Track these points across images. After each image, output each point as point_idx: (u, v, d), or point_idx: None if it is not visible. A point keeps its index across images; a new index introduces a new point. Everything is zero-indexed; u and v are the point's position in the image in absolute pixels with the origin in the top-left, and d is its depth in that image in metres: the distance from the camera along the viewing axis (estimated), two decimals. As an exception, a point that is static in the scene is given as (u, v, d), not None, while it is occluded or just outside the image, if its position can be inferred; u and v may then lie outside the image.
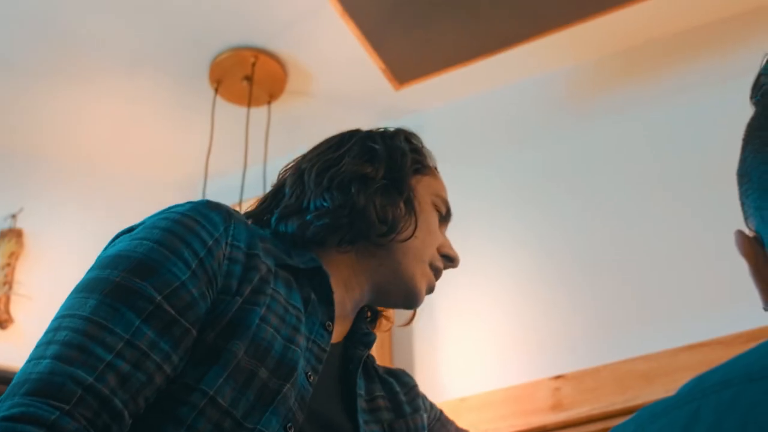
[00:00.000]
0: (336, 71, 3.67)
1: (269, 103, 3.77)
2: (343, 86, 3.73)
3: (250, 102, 3.72)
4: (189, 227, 1.39)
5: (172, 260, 1.34)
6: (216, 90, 3.72)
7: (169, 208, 1.45)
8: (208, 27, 3.51)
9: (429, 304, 3.33)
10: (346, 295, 1.62)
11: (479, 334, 3.25)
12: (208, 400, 1.30)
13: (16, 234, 3.77)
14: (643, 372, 2.89)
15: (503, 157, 3.59)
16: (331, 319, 1.55)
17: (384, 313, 1.82)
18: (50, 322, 1.30)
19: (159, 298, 1.30)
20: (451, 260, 1.78)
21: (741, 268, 1.08)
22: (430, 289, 1.74)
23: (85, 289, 1.31)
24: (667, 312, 2.99)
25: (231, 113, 3.79)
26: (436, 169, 1.87)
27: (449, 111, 3.82)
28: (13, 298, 3.62)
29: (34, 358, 1.24)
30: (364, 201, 1.60)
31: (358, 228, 1.60)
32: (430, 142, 3.71)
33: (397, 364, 3.31)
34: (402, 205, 1.65)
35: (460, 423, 3.05)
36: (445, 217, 1.80)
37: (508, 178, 3.53)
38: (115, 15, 3.47)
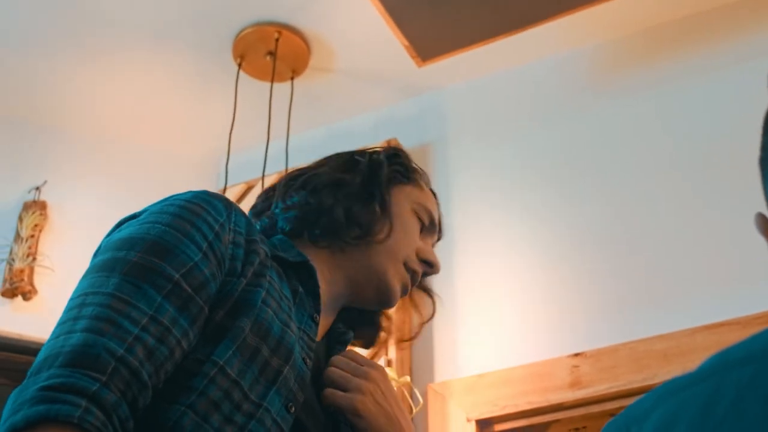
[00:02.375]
0: (359, 48, 3.67)
1: (292, 78, 3.77)
2: (366, 63, 3.74)
3: (273, 77, 3.73)
4: (196, 213, 1.43)
5: (185, 242, 1.37)
6: (239, 65, 3.72)
7: (173, 196, 1.48)
8: (232, 2, 3.52)
9: (449, 281, 3.35)
10: (327, 291, 1.65)
11: (498, 311, 3.26)
12: (218, 369, 1.32)
13: (40, 206, 3.80)
14: (660, 351, 2.90)
15: (524, 135, 3.59)
16: (318, 312, 1.59)
17: (384, 323, 1.88)
18: (70, 300, 1.32)
19: (177, 276, 1.33)
20: (431, 266, 1.79)
21: (760, 249, 1.09)
22: (405, 290, 1.75)
23: (104, 268, 1.33)
24: (685, 292, 2.99)
25: (254, 88, 3.80)
26: (429, 187, 1.88)
27: (471, 88, 3.82)
28: (37, 270, 3.65)
29: (63, 333, 1.24)
30: (331, 201, 1.67)
31: (327, 226, 1.66)
32: (451, 119, 3.74)
33: (417, 340, 3.32)
34: (377, 208, 1.69)
35: (479, 399, 3.08)
36: (428, 228, 1.81)
37: (528, 155, 3.53)
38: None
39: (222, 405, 1.31)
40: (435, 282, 3.36)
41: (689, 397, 0.85)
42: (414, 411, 3.05)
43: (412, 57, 3.41)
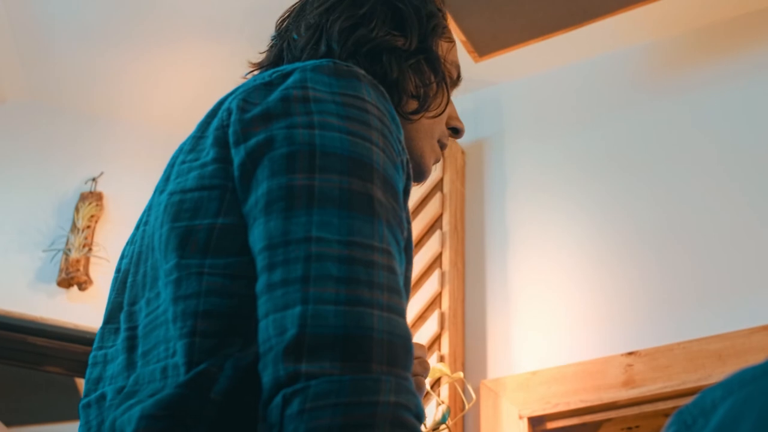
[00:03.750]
0: (415, 43, 3.67)
1: (350, 73, 3.78)
2: (422, 58, 3.74)
3: (329, 70, 3.73)
4: (391, 130, 1.29)
5: (398, 178, 1.26)
6: (296, 58, 3.73)
7: (357, 87, 1.28)
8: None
9: (502, 277, 3.35)
10: None
11: (552, 308, 3.25)
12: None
13: (96, 197, 3.84)
14: (715, 351, 2.87)
15: (578, 132, 3.58)
16: None
17: None
18: (329, 226, 1.11)
19: (406, 227, 1.24)
20: (457, 132, 1.70)
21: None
22: (436, 162, 1.66)
23: (360, 205, 1.15)
24: (741, 291, 2.97)
25: (310, 82, 3.81)
26: (445, 18, 1.72)
27: (527, 84, 3.81)
28: (92, 260, 3.69)
29: (366, 303, 1.08)
30: (397, 72, 1.51)
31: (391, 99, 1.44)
32: (507, 115, 3.74)
33: (470, 336, 3.32)
34: (435, 82, 1.57)
35: (531, 396, 3.08)
36: (455, 81, 1.71)
37: (582, 152, 3.52)
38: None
39: None
40: (489, 278, 3.37)
41: (759, 389, 0.84)
42: (466, 407, 3.05)
43: (469, 52, 3.40)
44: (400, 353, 1.07)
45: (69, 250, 3.67)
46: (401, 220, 1.20)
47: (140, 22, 3.67)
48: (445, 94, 1.59)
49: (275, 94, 1.24)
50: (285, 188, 1.14)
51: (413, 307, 3.29)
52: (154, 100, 4.00)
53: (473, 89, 3.87)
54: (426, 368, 1.50)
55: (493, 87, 3.86)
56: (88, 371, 1.33)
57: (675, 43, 3.56)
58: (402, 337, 1.09)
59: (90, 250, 3.69)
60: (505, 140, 3.72)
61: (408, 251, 1.26)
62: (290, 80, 1.26)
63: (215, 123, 1.28)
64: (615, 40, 3.62)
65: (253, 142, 1.20)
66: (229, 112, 1.27)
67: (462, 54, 3.48)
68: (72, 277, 3.62)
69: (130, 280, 1.33)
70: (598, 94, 3.62)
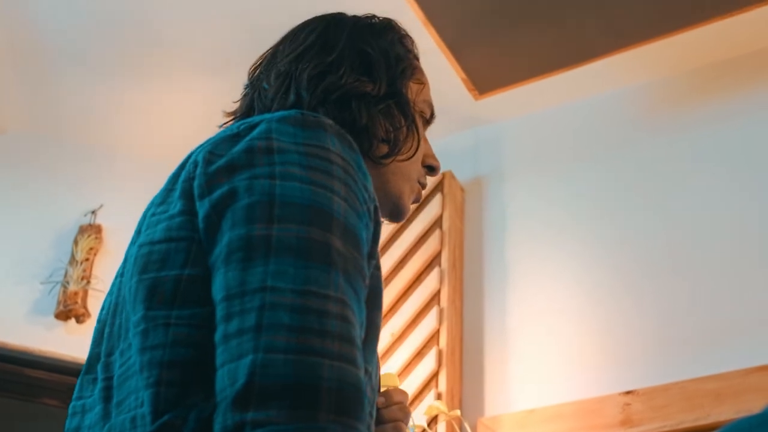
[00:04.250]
0: (416, 79, 3.68)
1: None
2: (423, 95, 3.74)
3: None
4: (355, 179, 1.29)
5: (361, 228, 1.25)
6: (295, 94, 3.74)
7: (321, 137, 1.29)
8: (288, 29, 3.54)
9: (501, 315, 3.35)
10: None
11: (550, 347, 3.24)
12: (368, 378, 1.24)
13: (95, 230, 3.83)
14: (713, 391, 2.87)
15: (578, 170, 3.58)
16: None
17: None
18: (282, 275, 1.12)
19: (367, 278, 1.24)
20: (432, 169, 1.68)
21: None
22: (415, 202, 1.66)
23: (316, 255, 1.15)
24: (739, 331, 2.96)
25: (310, 117, 3.81)
26: (418, 60, 1.72)
27: (527, 122, 3.82)
28: (91, 293, 3.68)
29: (317, 351, 1.08)
30: (366, 118, 1.50)
31: (358, 145, 1.40)
32: (506, 152, 3.74)
33: (467, 375, 3.32)
34: (405, 125, 1.56)
35: (529, 434, 3.07)
36: (428, 120, 1.70)
37: (582, 190, 3.52)
38: (198, 16, 3.52)
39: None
40: (487, 316, 3.37)
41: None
42: (463, 445, 3.05)
43: (470, 90, 3.41)
44: (349, 402, 1.07)
45: (67, 282, 3.67)
46: (361, 269, 1.20)
47: (141, 55, 3.68)
48: (416, 137, 1.58)
49: (240, 146, 1.26)
50: (244, 239, 1.15)
51: (411, 345, 3.29)
52: (154, 133, 4.01)
53: (473, 126, 3.88)
54: (407, 414, 1.51)
55: (493, 125, 3.87)
56: (67, 421, 1.35)
57: (672, 82, 3.57)
58: (353, 386, 1.09)
59: (88, 282, 3.68)
60: (504, 178, 3.72)
61: (375, 298, 1.28)
62: (255, 132, 1.27)
63: (183, 175, 1.29)
64: (613, 79, 3.63)
65: (217, 194, 1.21)
66: (196, 164, 1.27)
67: (462, 92, 3.49)
68: (70, 310, 3.61)
69: (107, 331, 1.34)
70: (597, 133, 3.63)
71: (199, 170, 1.25)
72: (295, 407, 1.03)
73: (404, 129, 1.55)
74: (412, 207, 1.68)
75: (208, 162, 1.26)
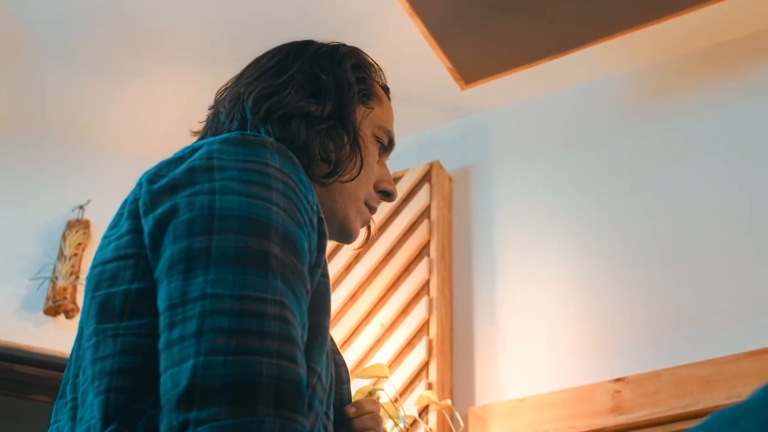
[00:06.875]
0: (402, 70, 3.67)
1: (335, 100, 3.78)
2: (409, 85, 3.74)
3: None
4: (295, 191, 1.33)
5: (302, 236, 1.30)
6: (283, 85, 3.73)
7: (261, 154, 1.33)
8: (275, 23, 3.53)
9: (490, 304, 3.35)
10: None
11: (540, 335, 3.24)
12: (317, 378, 1.29)
13: (83, 225, 3.83)
14: (703, 377, 2.87)
15: (566, 158, 3.58)
16: None
17: None
18: (222, 282, 1.17)
19: (308, 283, 1.28)
20: (388, 195, 1.71)
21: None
22: (365, 224, 1.69)
23: (254, 261, 1.20)
24: (728, 317, 2.97)
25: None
26: (385, 88, 1.76)
27: (514, 111, 3.82)
28: (79, 288, 3.67)
29: (257, 351, 1.13)
30: (305, 136, 1.53)
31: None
32: (494, 141, 3.74)
33: (458, 364, 3.32)
34: (347, 146, 1.58)
35: (520, 423, 3.07)
36: (386, 147, 1.72)
37: (571, 178, 3.52)
38: (182, 10, 3.51)
39: (318, 423, 1.29)
40: (477, 305, 3.37)
41: (740, 430, 0.84)
42: (454, 434, 3.05)
43: (456, 80, 3.40)
44: (288, 396, 1.13)
45: (56, 278, 3.66)
46: (301, 275, 1.25)
47: (127, 50, 3.67)
48: (359, 158, 1.60)
49: (182, 167, 1.31)
50: (185, 251, 1.20)
51: (401, 335, 3.29)
52: (141, 128, 4.00)
53: (460, 116, 3.87)
54: (378, 423, 1.56)
55: (480, 114, 3.87)
56: None
57: (660, 69, 3.57)
58: (292, 382, 1.14)
59: (77, 278, 3.68)
60: (492, 167, 3.72)
61: (322, 304, 1.33)
62: (197, 154, 1.33)
63: (130, 197, 1.35)
64: (600, 67, 3.63)
65: (159, 211, 1.26)
66: (140, 185, 1.33)
67: (448, 81, 3.48)
68: (59, 305, 3.61)
69: (74, 354, 1.38)
70: (584, 121, 3.63)
71: (143, 189, 1.31)
72: (234, 404, 1.09)
73: (346, 149, 1.58)
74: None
75: (151, 182, 1.31)
